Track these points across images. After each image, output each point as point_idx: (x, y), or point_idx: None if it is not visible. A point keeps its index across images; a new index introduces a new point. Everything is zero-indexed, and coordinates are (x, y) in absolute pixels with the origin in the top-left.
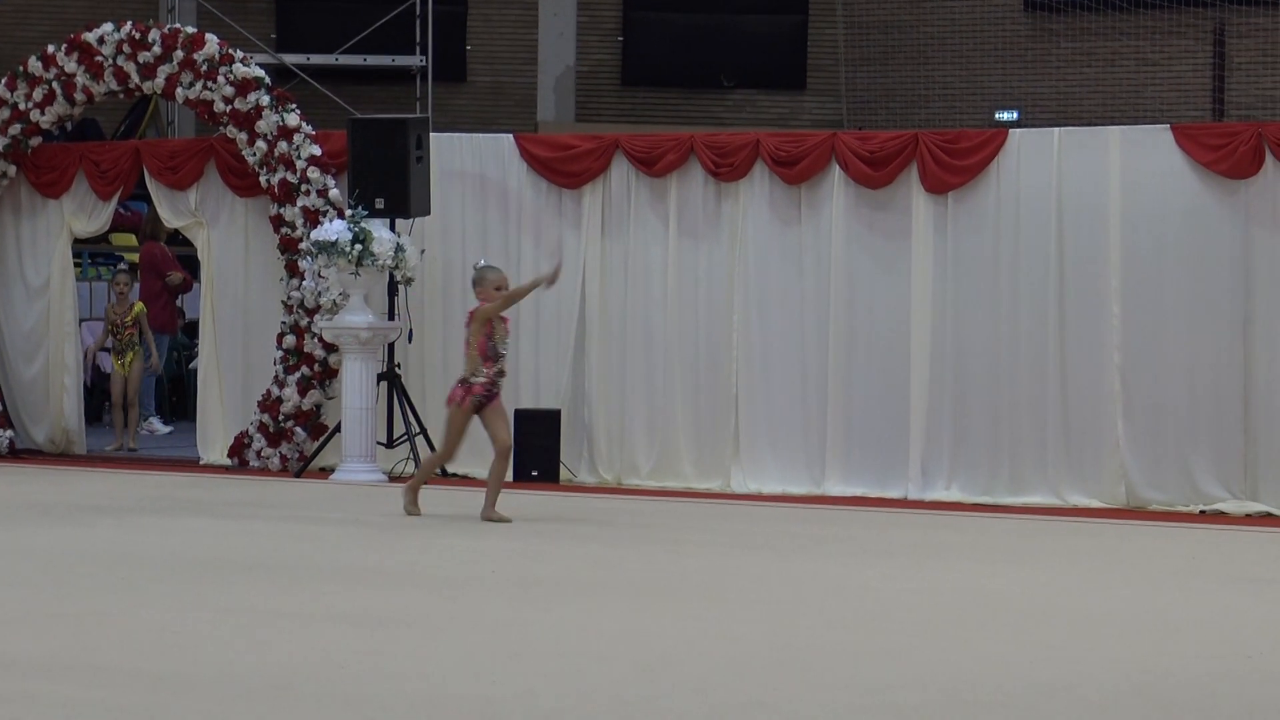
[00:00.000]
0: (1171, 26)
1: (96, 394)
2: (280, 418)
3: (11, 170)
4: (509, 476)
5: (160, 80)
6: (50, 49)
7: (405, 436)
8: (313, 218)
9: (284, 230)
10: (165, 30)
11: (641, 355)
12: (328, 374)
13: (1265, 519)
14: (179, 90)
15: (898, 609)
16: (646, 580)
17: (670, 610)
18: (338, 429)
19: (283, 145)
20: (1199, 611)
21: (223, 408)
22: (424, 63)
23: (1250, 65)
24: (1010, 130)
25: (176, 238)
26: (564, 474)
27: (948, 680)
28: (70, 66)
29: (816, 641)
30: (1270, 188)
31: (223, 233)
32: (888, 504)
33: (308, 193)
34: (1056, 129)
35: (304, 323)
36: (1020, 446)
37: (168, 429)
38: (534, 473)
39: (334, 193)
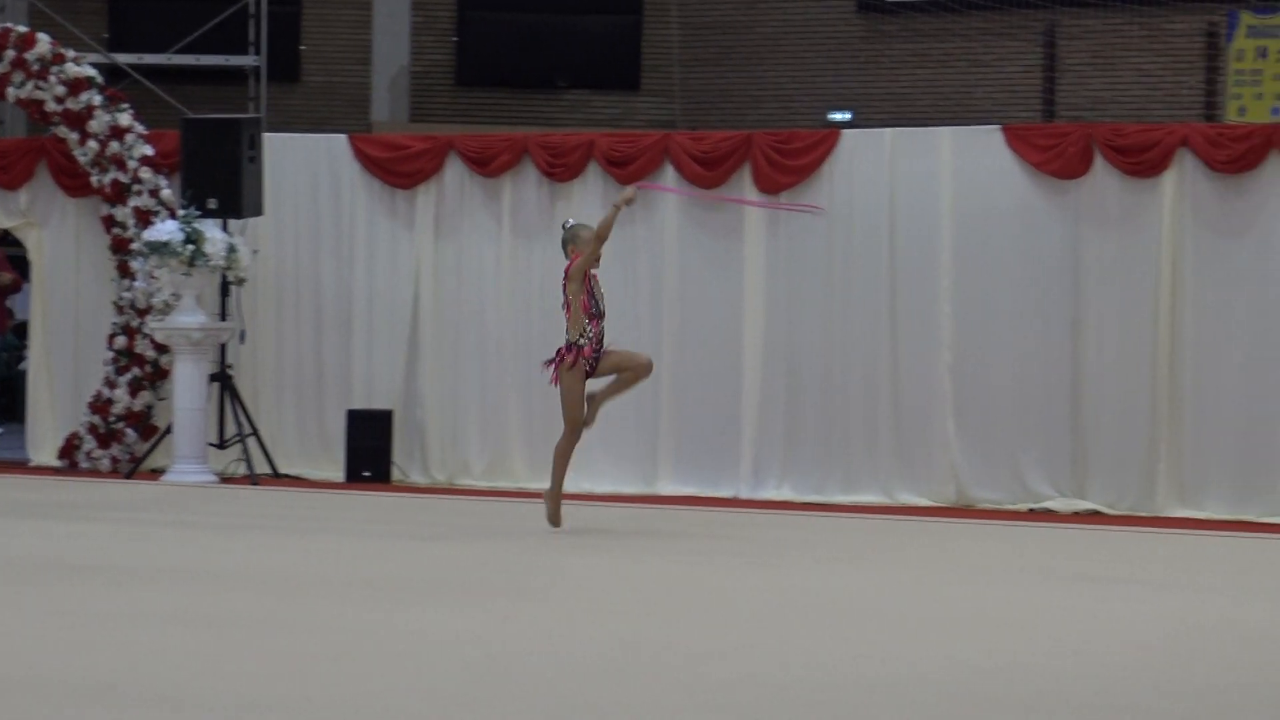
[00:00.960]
0: (1002, 28)
1: None
2: (111, 419)
3: None
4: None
5: None
6: None
7: (238, 437)
8: (145, 218)
9: (115, 231)
10: None
11: (475, 355)
12: (159, 375)
13: (1093, 517)
14: (10, 90)
15: (730, 608)
16: (478, 581)
17: (502, 611)
18: (169, 430)
19: (114, 145)
20: (1028, 609)
21: (53, 409)
22: (258, 62)
23: (1080, 67)
24: (843, 131)
25: (6, 238)
26: (396, 474)
27: (781, 679)
28: None
29: (650, 642)
30: (1099, 188)
31: (54, 233)
32: (719, 503)
33: (140, 193)
34: (889, 129)
35: (135, 323)
36: (851, 445)
37: None
38: (366, 473)
39: (166, 193)
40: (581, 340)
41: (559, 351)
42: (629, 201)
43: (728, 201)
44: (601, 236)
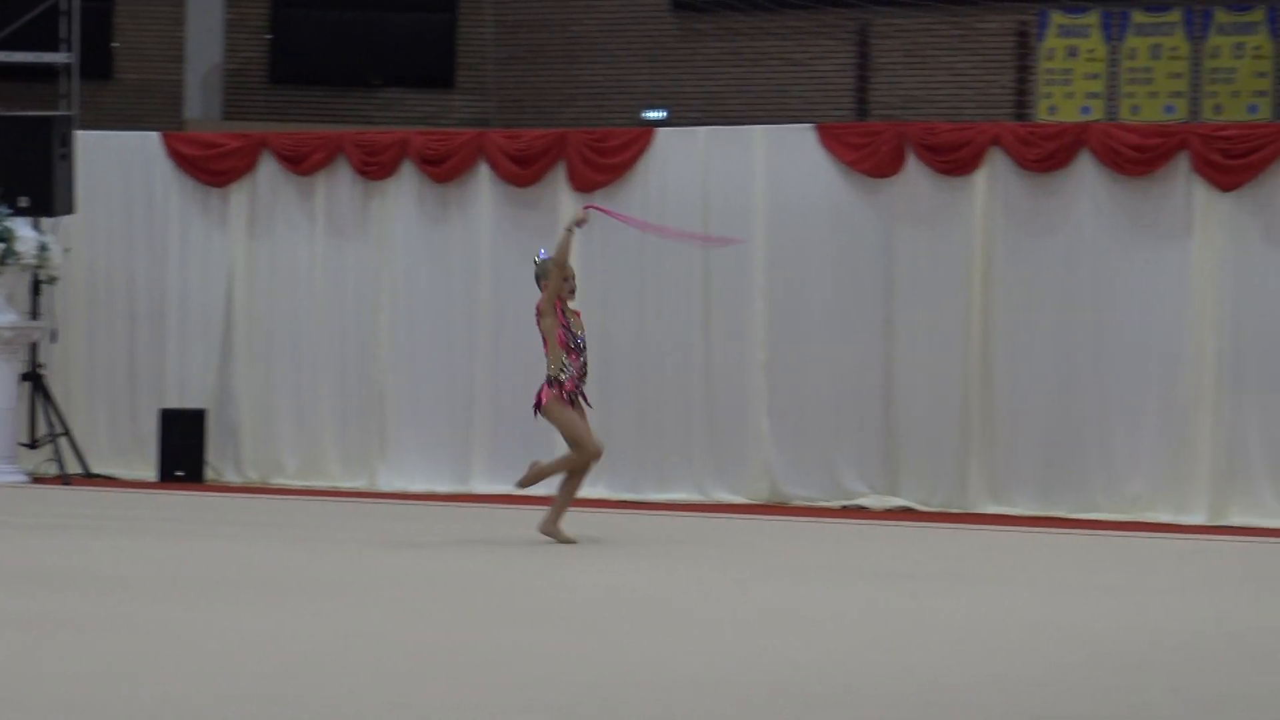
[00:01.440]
0: (816, 27)
1: None
2: None
3: None
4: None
5: None
6: None
7: (49, 437)
8: None
9: None
10: None
11: (288, 354)
12: None
13: (905, 514)
14: None
15: (542, 607)
16: (289, 579)
17: (313, 609)
18: None
19: None
20: (841, 605)
21: None
22: (69, 59)
23: (893, 66)
24: (657, 129)
25: None
26: (210, 474)
27: (594, 678)
28: None
29: (461, 641)
30: (912, 186)
31: None
32: (533, 501)
33: None
34: (702, 128)
35: None
36: (666, 443)
37: None
38: (179, 473)
39: None
40: (561, 375)
41: (540, 390)
42: (580, 223)
43: (661, 234)
44: (560, 263)
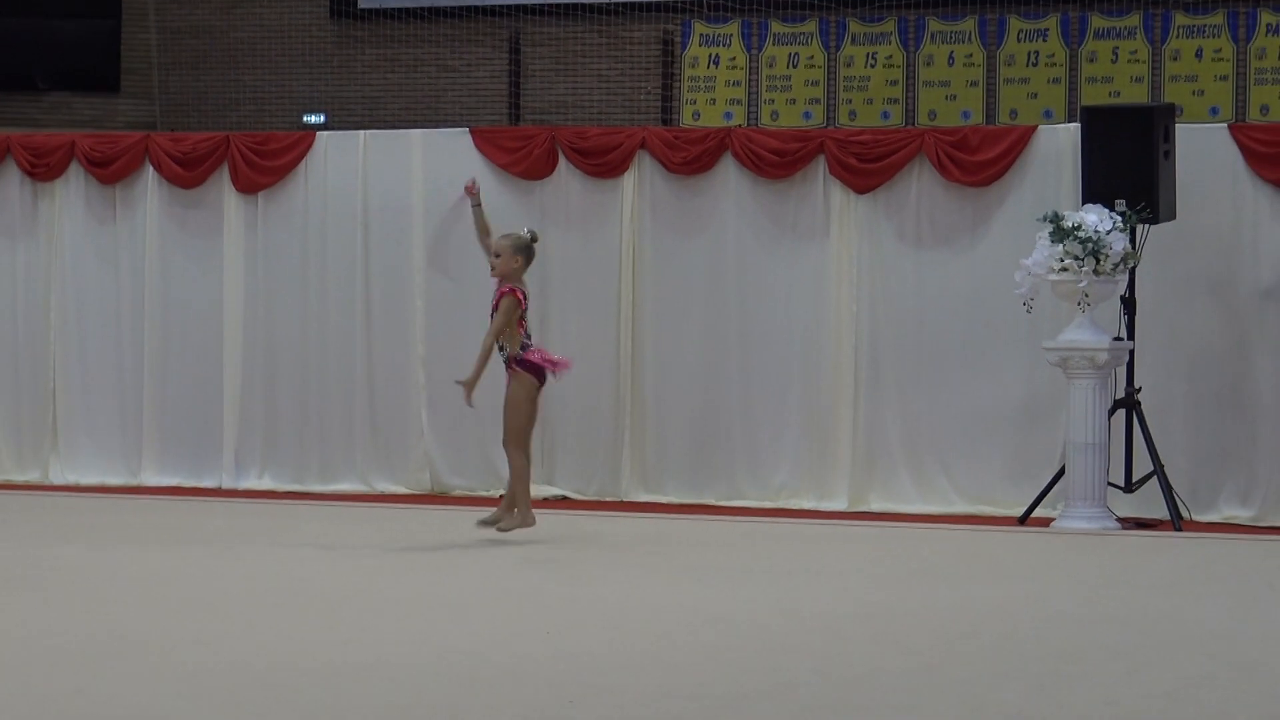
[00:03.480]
0: (470, 34)
1: None
2: None
3: None
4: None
5: None
6: None
7: None
8: None
9: None
10: None
11: None
12: None
13: (562, 502)
14: None
15: (211, 595)
16: None
17: None
18: None
19: None
20: (498, 591)
21: None
22: None
23: (544, 72)
24: (318, 133)
25: None
26: None
27: (262, 664)
28: None
29: (132, 629)
30: (563, 188)
31: None
32: (203, 493)
33: None
34: (362, 132)
35: None
36: (330, 436)
37: None
38: None
39: None
40: (522, 352)
41: (535, 361)
42: (472, 193)
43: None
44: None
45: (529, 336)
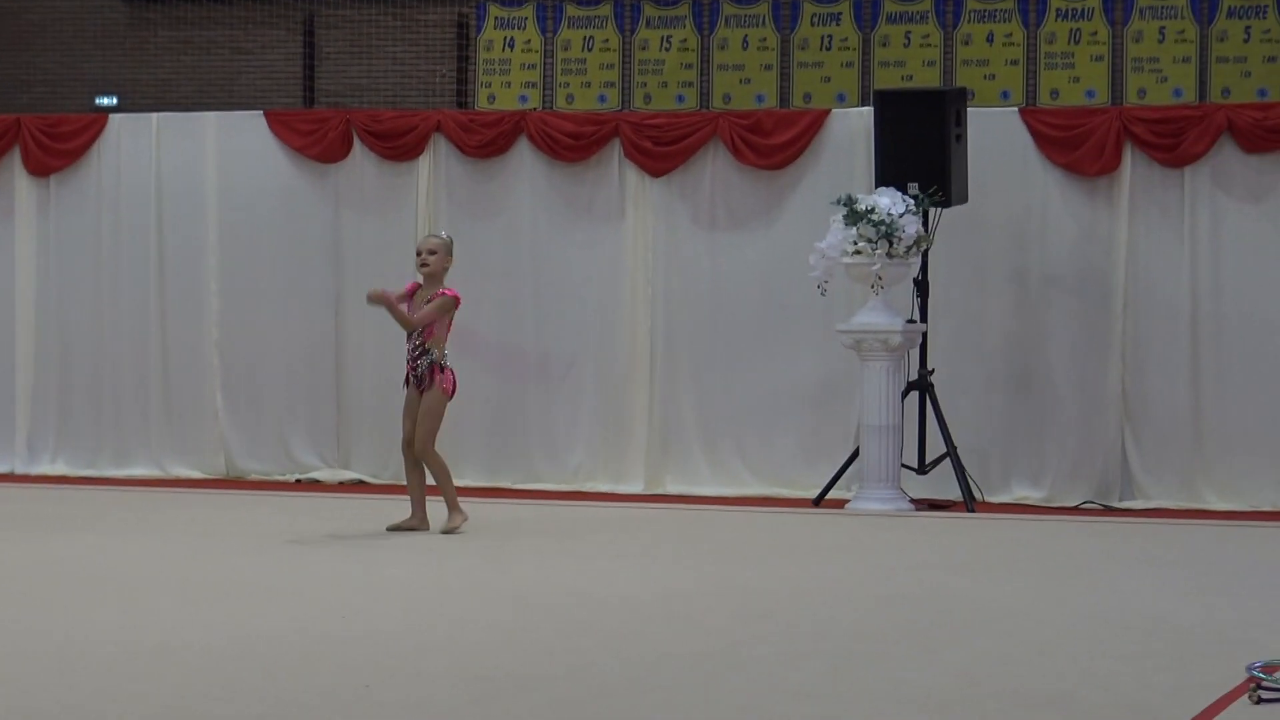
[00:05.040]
0: (264, 17)
1: None
2: None
3: None
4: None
5: None
6: None
7: None
8: None
9: None
10: None
11: None
12: None
13: (357, 486)
14: None
15: (2, 579)
16: None
17: None
18: None
19: None
20: (296, 574)
21: None
22: None
23: (339, 55)
24: (110, 115)
25: None
26: None
27: (54, 650)
28: None
29: None
30: (358, 171)
31: None
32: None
33: None
34: (155, 114)
35: None
36: (124, 420)
37: None
38: None
39: None
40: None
41: (443, 373)
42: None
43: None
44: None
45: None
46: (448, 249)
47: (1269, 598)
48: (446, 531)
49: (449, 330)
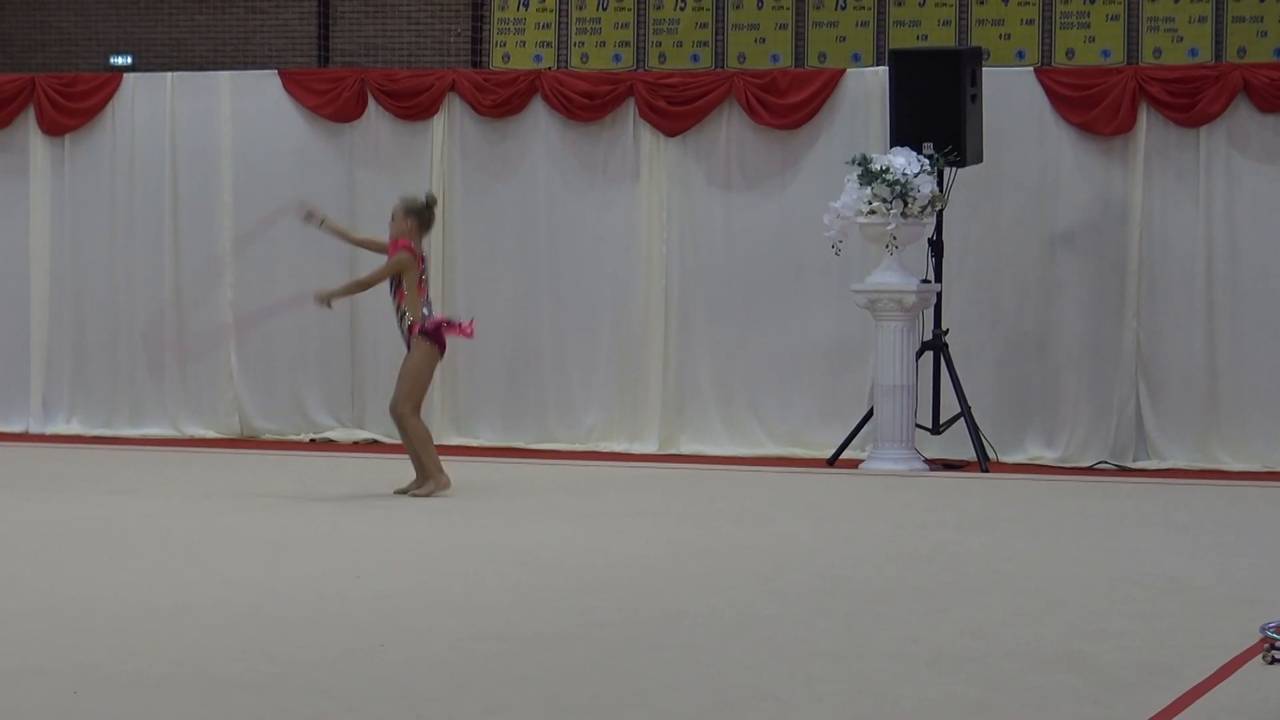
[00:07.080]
0: None
1: None
2: None
3: None
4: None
5: None
6: None
7: None
8: None
9: None
10: None
11: None
12: None
13: (370, 445)
14: None
15: (17, 539)
16: None
17: None
18: None
19: None
20: (310, 534)
21: None
22: None
23: (353, 14)
24: (125, 75)
25: None
26: None
27: (68, 609)
28: None
29: None
30: (373, 130)
31: None
32: (9, 438)
33: None
34: (170, 74)
35: None
36: (139, 380)
37: None
38: None
39: None
40: (424, 316)
41: (437, 326)
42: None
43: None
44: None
45: (430, 304)
46: (405, 209)
47: None
48: (403, 491)
49: (422, 288)
